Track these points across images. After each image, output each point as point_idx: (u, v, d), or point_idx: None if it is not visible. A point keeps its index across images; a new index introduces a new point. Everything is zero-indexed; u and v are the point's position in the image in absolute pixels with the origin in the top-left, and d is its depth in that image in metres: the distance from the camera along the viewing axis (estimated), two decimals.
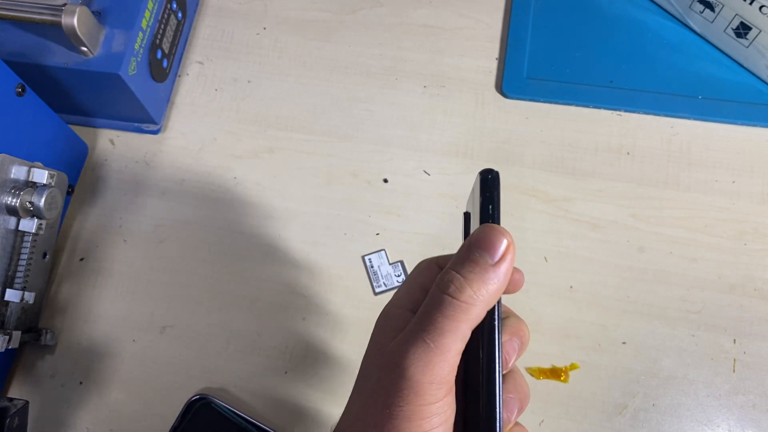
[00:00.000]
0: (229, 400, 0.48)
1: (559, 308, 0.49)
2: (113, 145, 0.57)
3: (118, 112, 0.56)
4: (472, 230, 0.27)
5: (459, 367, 0.25)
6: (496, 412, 0.25)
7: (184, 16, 0.58)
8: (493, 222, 0.27)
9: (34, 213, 0.44)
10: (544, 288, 0.49)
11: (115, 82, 0.50)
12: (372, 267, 0.51)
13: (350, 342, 0.49)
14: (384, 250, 0.51)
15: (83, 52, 0.48)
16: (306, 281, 0.51)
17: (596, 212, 0.51)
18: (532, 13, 0.58)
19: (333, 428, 0.30)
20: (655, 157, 0.53)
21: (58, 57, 0.49)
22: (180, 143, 0.57)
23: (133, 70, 0.50)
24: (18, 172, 0.44)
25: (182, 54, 0.59)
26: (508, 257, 0.25)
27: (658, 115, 0.54)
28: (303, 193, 0.54)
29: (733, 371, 0.46)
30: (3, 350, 0.43)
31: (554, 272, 0.50)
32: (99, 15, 0.49)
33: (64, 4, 0.46)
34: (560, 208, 0.52)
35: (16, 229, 0.44)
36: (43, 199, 0.44)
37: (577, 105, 0.55)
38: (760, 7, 0.49)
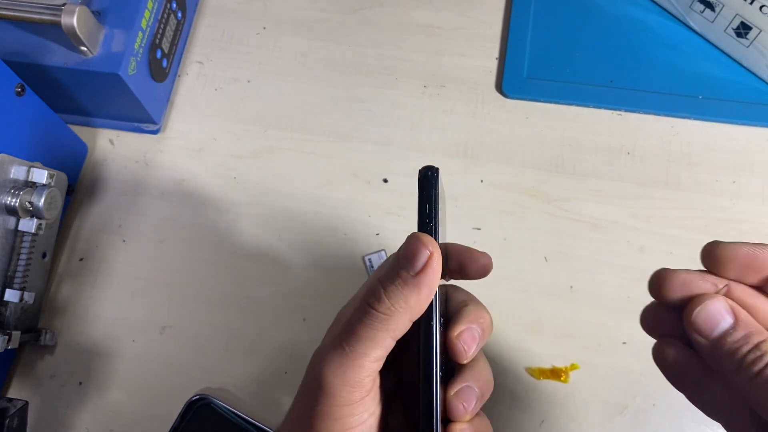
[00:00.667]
0: (229, 400, 0.47)
1: (559, 308, 0.49)
2: (113, 145, 0.57)
3: (118, 111, 0.55)
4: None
5: (403, 369, 0.27)
6: (433, 411, 0.26)
7: (183, 15, 0.58)
8: (430, 223, 0.27)
9: (34, 213, 0.44)
10: (544, 288, 0.49)
11: (114, 82, 0.49)
12: (372, 267, 0.51)
13: None
14: (384, 250, 0.51)
15: (83, 52, 0.48)
16: (306, 281, 0.51)
17: (596, 212, 0.51)
18: (532, 12, 0.58)
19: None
20: (655, 157, 0.53)
21: (57, 57, 0.49)
22: (180, 143, 0.57)
23: (132, 69, 0.50)
24: (17, 171, 0.44)
25: (182, 54, 0.59)
26: (430, 268, 0.25)
27: (659, 115, 0.54)
28: (303, 193, 0.54)
29: None
30: (2, 350, 0.43)
31: (554, 272, 0.50)
32: (99, 15, 0.49)
33: (64, 4, 0.46)
34: (560, 208, 0.52)
35: (16, 229, 0.44)
36: (42, 199, 0.44)
37: (577, 105, 0.55)
38: (761, 7, 0.49)
